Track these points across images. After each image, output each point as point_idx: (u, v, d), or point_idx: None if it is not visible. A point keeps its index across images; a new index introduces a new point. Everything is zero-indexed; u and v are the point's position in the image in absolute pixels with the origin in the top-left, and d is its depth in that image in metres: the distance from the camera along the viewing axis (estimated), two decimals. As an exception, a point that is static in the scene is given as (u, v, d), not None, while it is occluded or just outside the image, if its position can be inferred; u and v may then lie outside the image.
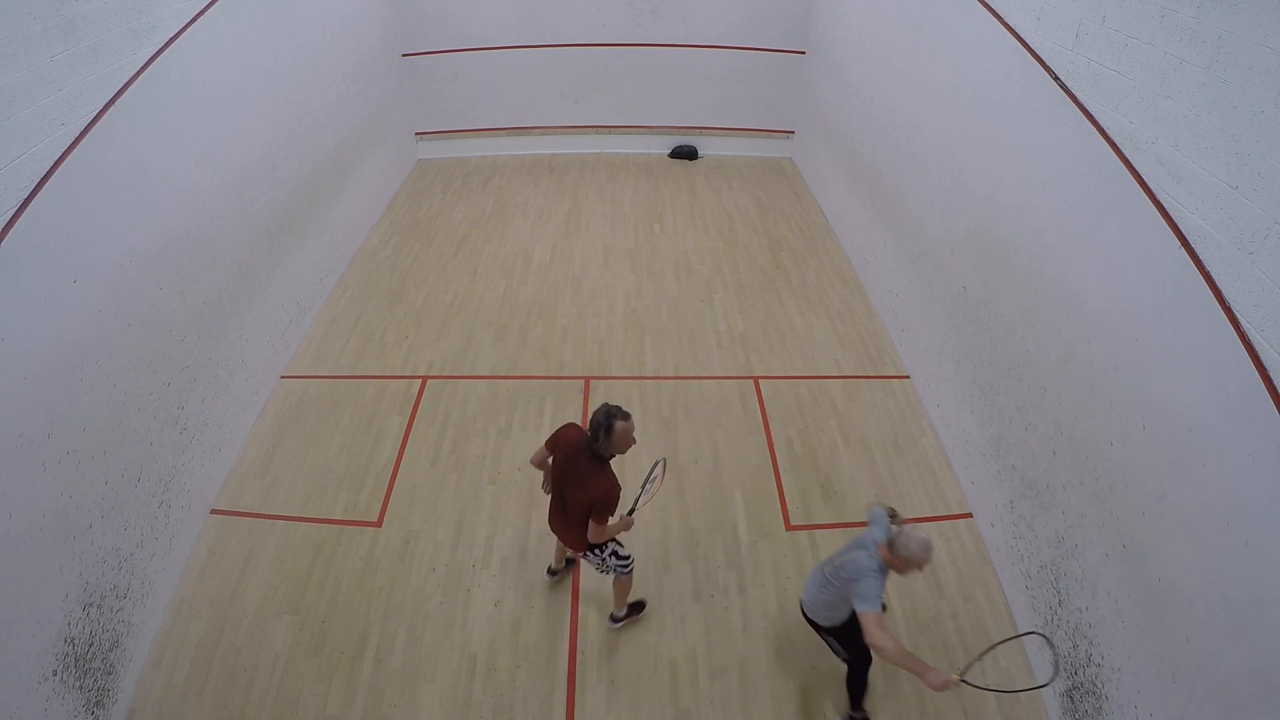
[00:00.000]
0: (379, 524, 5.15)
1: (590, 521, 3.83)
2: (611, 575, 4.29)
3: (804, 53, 9.97)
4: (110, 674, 4.02)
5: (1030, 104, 4.53)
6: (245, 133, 5.85)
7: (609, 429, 3.68)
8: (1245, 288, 2.94)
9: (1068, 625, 4.01)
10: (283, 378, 6.43)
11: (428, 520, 5.17)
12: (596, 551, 4.12)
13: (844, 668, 4.04)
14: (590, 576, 4.80)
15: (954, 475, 5.52)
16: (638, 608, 4.60)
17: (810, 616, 3.90)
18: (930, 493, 5.40)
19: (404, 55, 9.90)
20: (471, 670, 4.30)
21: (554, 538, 4.54)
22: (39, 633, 3.58)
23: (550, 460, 4.03)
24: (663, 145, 10.85)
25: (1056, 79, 4.26)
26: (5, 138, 3.47)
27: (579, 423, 5.36)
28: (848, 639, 3.82)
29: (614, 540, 4.14)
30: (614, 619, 4.53)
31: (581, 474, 3.80)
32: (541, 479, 4.26)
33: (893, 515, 3.84)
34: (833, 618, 3.80)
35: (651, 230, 8.83)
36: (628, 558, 4.23)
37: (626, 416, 3.72)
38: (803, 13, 9.75)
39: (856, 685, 4.01)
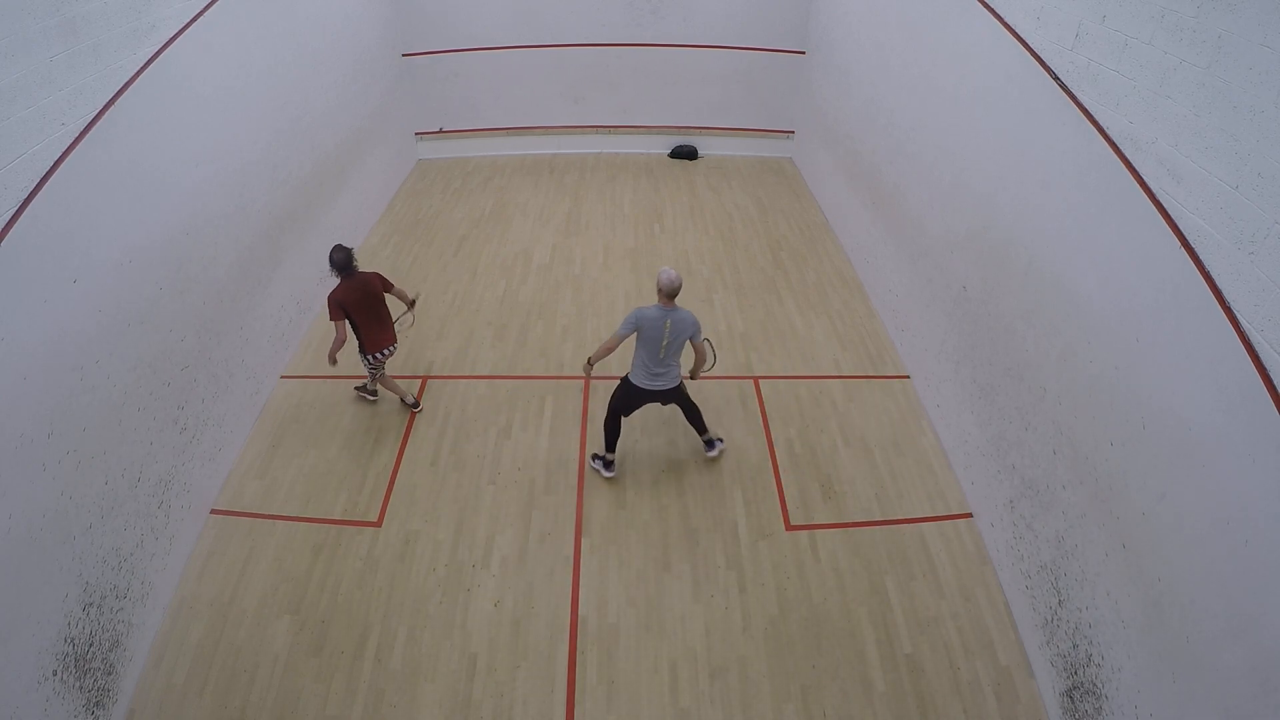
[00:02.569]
0: (379, 524, 5.15)
1: (390, 289, 5.64)
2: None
3: (804, 53, 9.97)
4: (110, 674, 4.02)
5: (1030, 104, 4.54)
6: (245, 133, 5.85)
7: (351, 251, 5.40)
8: (1245, 288, 2.94)
9: (1068, 625, 4.01)
10: (283, 378, 6.43)
11: (428, 520, 5.18)
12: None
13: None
14: (590, 576, 4.80)
15: (954, 475, 5.52)
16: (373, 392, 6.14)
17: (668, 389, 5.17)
18: (930, 493, 5.40)
19: (404, 55, 9.90)
20: (471, 670, 4.31)
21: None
22: (39, 633, 3.58)
23: (353, 317, 5.44)
24: (663, 145, 10.86)
25: (1056, 79, 4.26)
26: (5, 138, 3.47)
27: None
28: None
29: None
30: (367, 390, 6.13)
31: (365, 283, 5.42)
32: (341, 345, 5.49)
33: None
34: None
35: (651, 230, 8.83)
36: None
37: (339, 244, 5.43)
38: (803, 13, 9.75)
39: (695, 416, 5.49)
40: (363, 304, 5.40)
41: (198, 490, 5.07)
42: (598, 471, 5.47)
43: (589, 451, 5.70)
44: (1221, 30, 3.06)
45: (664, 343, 4.88)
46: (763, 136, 10.75)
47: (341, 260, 5.28)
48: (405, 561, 4.90)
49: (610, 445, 5.40)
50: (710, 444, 5.56)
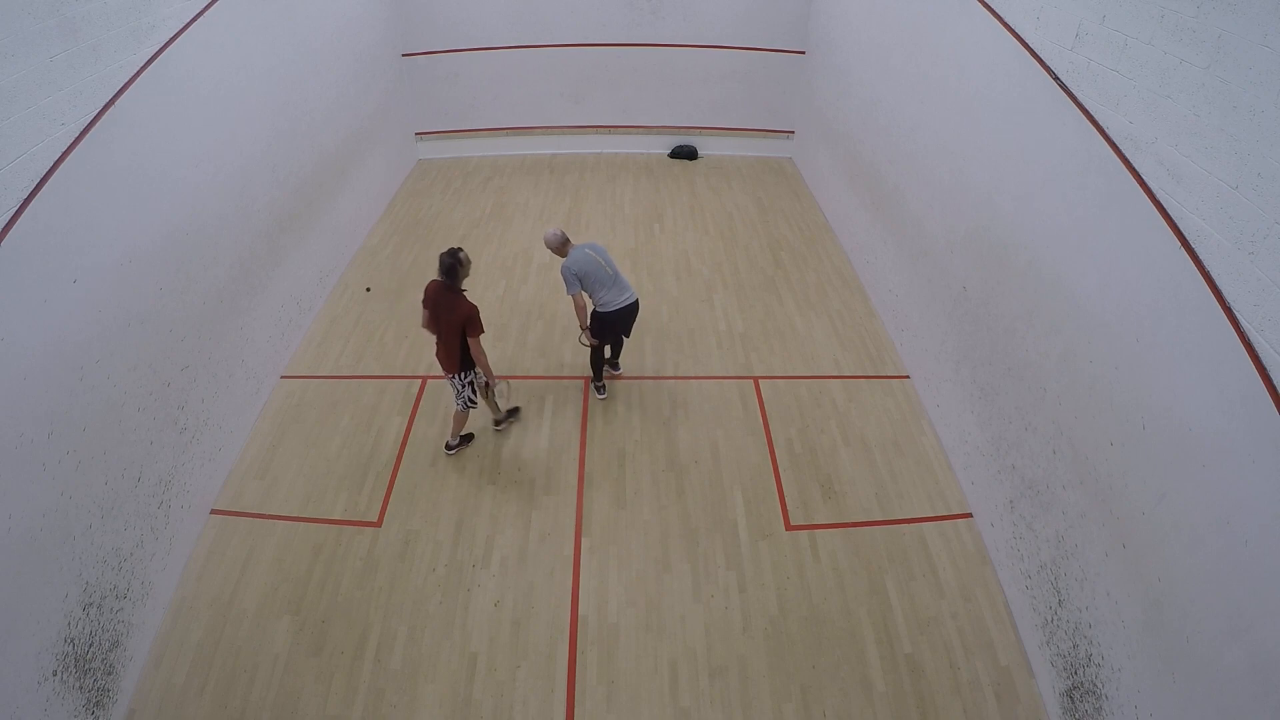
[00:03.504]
0: (379, 524, 5.15)
1: (468, 338, 5.01)
2: (457, 407, 5.44)
3: (804, 53, 9.97)
4: (110, 674, 4.03)
5: (1030, 104, 4.54)
6: (245, 132, 5.85)
7: (458, 263, 4.90)
8: (1245, 288, 2.94)
9: (1068, 625, 4.01)
10: (283, 378, 6.43)
11: (428, 520, 5.18)
12: (460, 376, 5.24)
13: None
14: (590, 576, 4.81)
15: (954, 475, 5.52)
16: (468, 438, 5.78)
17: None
18: (930, 493, 5.40)
19: (404, 55, 9.90)
20: (471, 670, 4.31)
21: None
22: (39, 633, 3.58)
23: (427, 313, 5.18)
24: (663, 145, 10.85)
25: (1056, 79, 4.26)
26: (5, 138, 3.47)
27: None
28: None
29: (471, 387, 5.32)
30: (448, 446, 5.66)
31: (448, 305, 4.96)
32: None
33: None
34: None
35: (651, 230, 8.84)
36: (475, 403, 5.43)
37: (461, 249, 4.97)
38: (803, 13, 9.75)
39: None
40: (432, 315, 5.12)
41: (198, 490, 5.07)
42: (596, 394, 6.27)
43: (589, 450, 5.71)
44: (1221, 30, 3.06)
45: (605, 267, 5.59)
46: (763, 136, 10.75)
47: (443, 264, 4.91)
48: (405, 561, 4.90)
49: (599, 375, 6.21)
50: (616, 366, 6.38)
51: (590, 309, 5.70)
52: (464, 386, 5.30)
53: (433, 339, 5.31)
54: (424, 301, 5.15)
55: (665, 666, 4.33)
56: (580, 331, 5.87)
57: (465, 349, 5.08)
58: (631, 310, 5.78)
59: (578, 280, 5.50)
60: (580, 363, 6.62)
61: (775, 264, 8.15)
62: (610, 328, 5.80)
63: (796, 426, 5.97)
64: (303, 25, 6.91)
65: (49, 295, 3.72)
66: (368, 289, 4.92)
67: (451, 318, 4.97)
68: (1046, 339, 4.33)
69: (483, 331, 5.00)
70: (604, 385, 6.26)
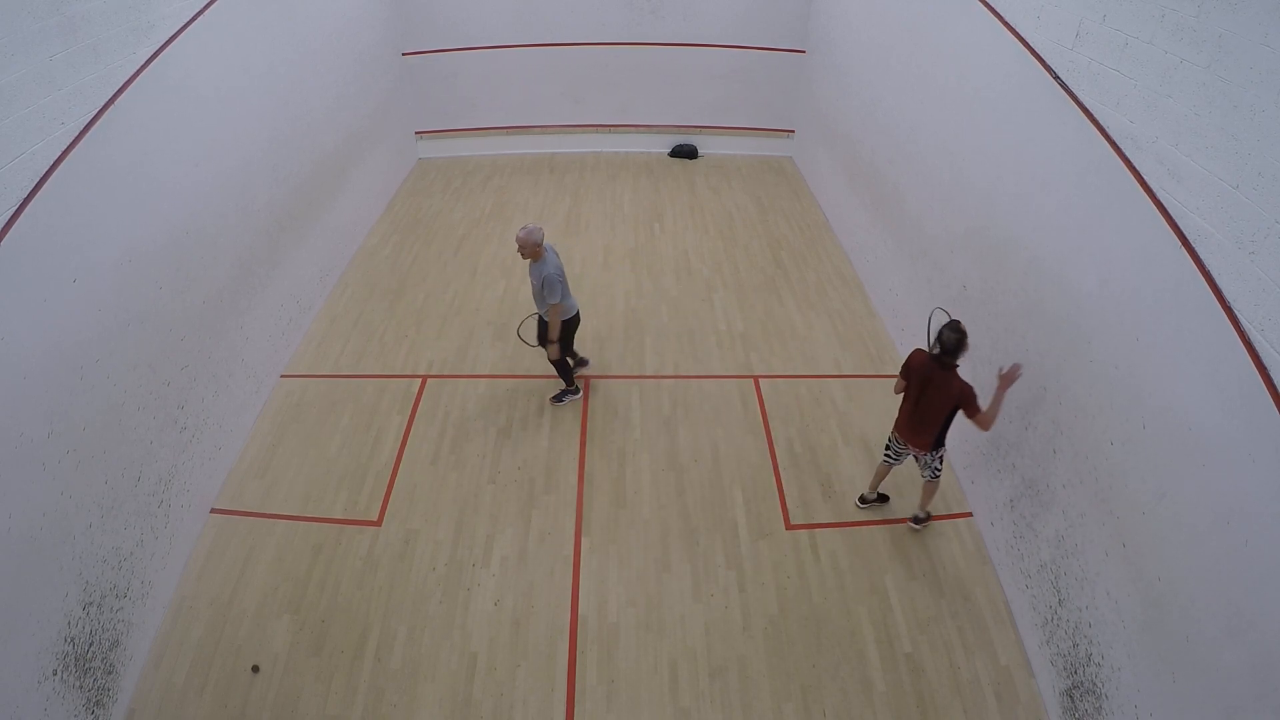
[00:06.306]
0: (379, 523, 5.15)
1: (970, 416, 4.43)
2: (927, 477, 4.94)
3: (804, 52, 9.97)
4: (110, 673, 4.03)
5: (1030, 103, 4.53)
6: (245, 132, 5.85)
7: (964, 342, 4.36)
8: (1245, 287, 2.94)
9: (1068, 625, 4.01)
10: (283, 377, 6.43)
11: (428, 520, 5.18)
12: (933, 454, 4.79)
13: None
14: (590, 576, 4.81)
15: (954, 475, 5.52)
16: (923, 520, 5.17)
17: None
18: (930, 492, 5.40)
19: (404, 55, 9.89)
20: (471, 670, 4.31)
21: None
22: (39, 632, 3.59)
23: (905, 384, 4.71)
24: (663, 144, 10.85)
25: (1057, 78, 4.26)
26: (5, 137, 3.47)
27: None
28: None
29: (941, 460, 4.85)
30: (916, 519, 5.12)
31: (940, 383, 4.46)
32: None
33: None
34: None
35: (651, 230, 8.83)
36: (940, 468, 4.92)
37: (962, 327, 4.40)
38: (803, 12, 9.75)
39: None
40: (916, 388, 4.60)
41: (198, 490, 5.07)
42: (568, 399, 6.13)
43: (589, 450, 5.71)
44: (1222, 30, 3.06)
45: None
46: (763, 136, 10.74)
47: (947, 341, 4.36)
48: (405, 561, 4.90)
49: (572, 379, 6.11)
50: (585, 361, 6.41)
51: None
52: (934, 459, 4.83)
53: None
54: (905, 372, 4.65)
55: (665, 666, 4.33)
56: (548, 345, 5.65)
57: (946, 427, 4.62)
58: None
59: (562, 286, 5.47)
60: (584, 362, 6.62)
61: (775, 263, 8.15)
62: (572, 332, 5.84)
63: (796, 426, 5.97)
64: (303, 25, 6.91)
65: (49, 295, 3.72)
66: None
67: (942, 395, 4.46)
68: (1046, 338, 4.33)
69: (980, 412, 4.39)
70: (578, 386, 6.23)
